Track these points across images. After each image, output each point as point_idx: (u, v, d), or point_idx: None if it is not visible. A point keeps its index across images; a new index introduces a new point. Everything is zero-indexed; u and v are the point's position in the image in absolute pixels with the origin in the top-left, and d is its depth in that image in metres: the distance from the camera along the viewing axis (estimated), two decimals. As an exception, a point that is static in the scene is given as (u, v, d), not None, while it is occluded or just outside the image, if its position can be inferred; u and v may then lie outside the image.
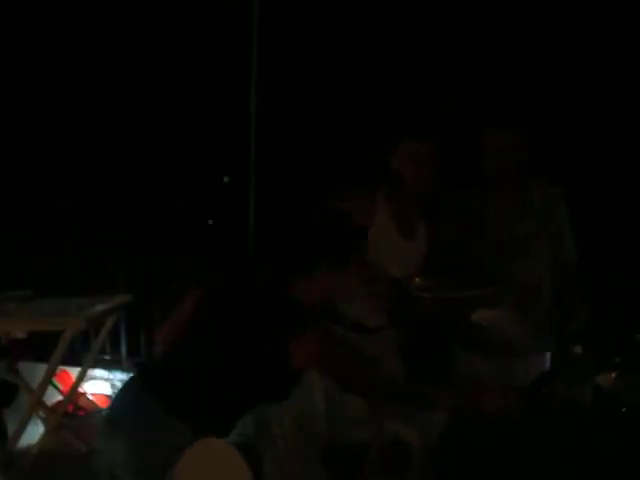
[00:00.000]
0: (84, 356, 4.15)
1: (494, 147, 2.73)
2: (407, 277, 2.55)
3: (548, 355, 2.68)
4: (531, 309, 2.69)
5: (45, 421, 3.72)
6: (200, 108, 5.01)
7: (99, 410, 4.14)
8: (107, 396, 4.30)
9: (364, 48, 4.34)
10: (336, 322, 2.49)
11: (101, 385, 4.42)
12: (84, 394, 4.29)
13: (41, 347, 3.80)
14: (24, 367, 3.88)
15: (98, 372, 4.45)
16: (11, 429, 3.53)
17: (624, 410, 1.92)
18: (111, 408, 2.16)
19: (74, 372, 4.10)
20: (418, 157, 2.64)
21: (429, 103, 3.99)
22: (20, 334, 3.61)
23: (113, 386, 4.38)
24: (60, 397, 4.09)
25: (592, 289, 2.82)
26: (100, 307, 3.62)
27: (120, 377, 4.39)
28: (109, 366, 4.57)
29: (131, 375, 2.19)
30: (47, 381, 3.47)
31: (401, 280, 2.54)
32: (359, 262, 2.27)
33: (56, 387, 4.13)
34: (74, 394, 3.97)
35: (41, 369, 3.54)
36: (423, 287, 2.48)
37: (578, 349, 2.00)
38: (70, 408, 4.02)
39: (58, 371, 3.94)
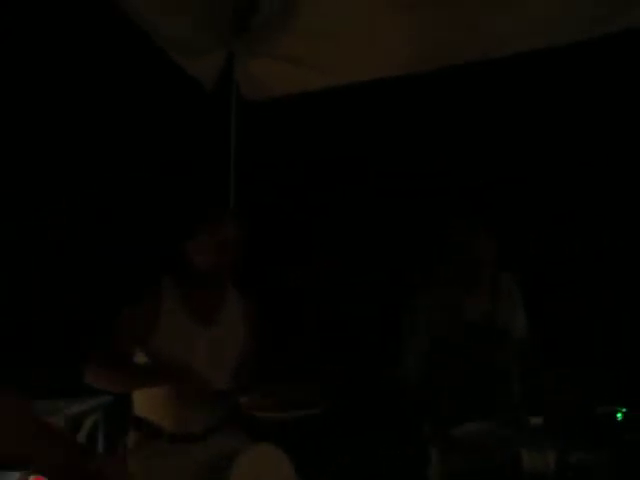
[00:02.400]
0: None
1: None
2: (231, 390, 2.45)
3: None
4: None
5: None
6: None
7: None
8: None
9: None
10: (154, 436, 2.42)
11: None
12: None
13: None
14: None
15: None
16: None
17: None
18: None
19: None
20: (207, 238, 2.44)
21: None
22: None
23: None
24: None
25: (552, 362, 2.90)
26: (79, 407, 3.51)
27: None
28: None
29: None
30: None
31: (225, 394, 2.43)
32: (177, 372, 2.27)
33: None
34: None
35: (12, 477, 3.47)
36: (249, 406, 2.37)
37: (539, 420, 2.07)
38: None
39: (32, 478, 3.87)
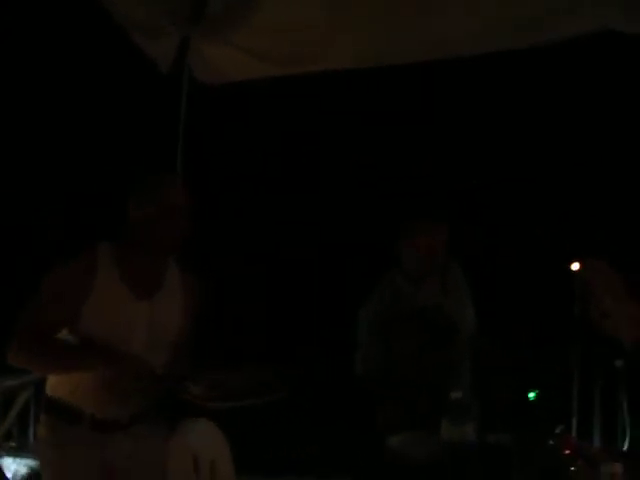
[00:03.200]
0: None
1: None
2: (171, 376, 2.22)
3: None
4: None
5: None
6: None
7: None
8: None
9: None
10: (72, 421, 2.20)
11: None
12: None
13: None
14: None
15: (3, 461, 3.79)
16: None
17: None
18: None
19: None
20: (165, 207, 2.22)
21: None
22: None
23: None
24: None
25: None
26: (11, 382, 3.40)
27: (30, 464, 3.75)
28: (16, 454, 3.89)
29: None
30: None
31: (167, 379, 2.21)
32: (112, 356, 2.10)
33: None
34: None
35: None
36: (200, 396, 2.17)
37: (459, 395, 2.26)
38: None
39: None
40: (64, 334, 2.19)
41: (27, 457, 3.78)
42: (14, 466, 3.75)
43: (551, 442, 2.26)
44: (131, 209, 2.22)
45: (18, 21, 4.36)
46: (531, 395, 2.53)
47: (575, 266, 3.83)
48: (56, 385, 2.25)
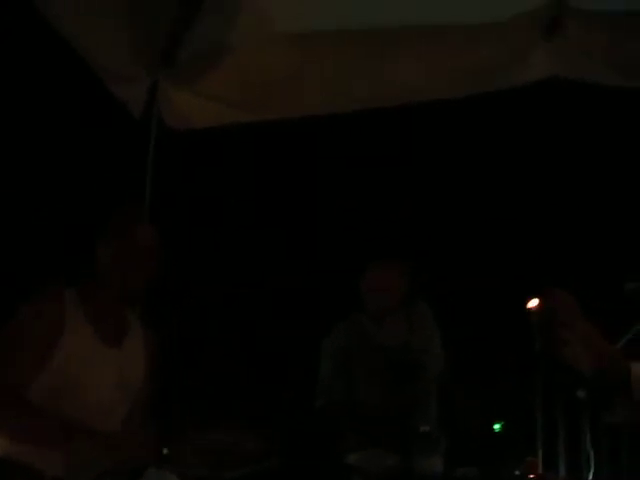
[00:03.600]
0: None
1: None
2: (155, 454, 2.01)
3: None
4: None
5: None
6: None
7: None
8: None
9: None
10: None
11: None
12: None
13: None
14: None
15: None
16: None
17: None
18: None
19: None
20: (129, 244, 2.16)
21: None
22: None
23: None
24: None
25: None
26: None
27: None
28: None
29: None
30: None
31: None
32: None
33: None
34: None
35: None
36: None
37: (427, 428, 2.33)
38: None
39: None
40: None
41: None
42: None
43: (517, 472, 2.33)
44: (98, 249, 2.17)
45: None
46: (496, 427, 2.61)
47: (533, 302, 3.98)
48: (8, 444, 1.99)
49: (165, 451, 1.99)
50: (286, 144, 4.64)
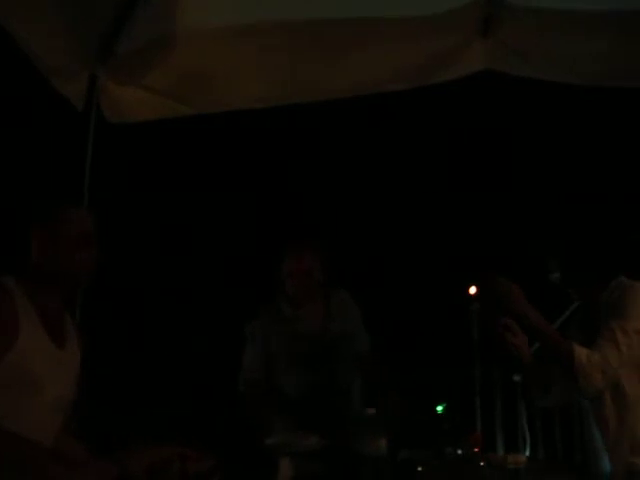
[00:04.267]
0: None
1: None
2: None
3: None
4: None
5: None
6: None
7: None
8: None
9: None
10: None
11: None
12: None
13: None
14: None
15: None
16: None
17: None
18: None
19: None
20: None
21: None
22: None
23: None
24: None
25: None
26: None
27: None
28: None
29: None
30: None
31: None
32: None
33: None
34: None
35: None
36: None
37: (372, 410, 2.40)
38: None
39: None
40: None
41: None
42: None
43: (459, 451, 2.42)
44: (34, 240, 2.02)
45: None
46: (439, 408, 2.70)
47: (472, 289, 4.08)
48: None
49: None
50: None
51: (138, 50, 3.15)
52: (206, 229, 5.05)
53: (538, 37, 3.15)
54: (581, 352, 2.19)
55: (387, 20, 3.16)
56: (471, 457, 2.37)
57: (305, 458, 2.57)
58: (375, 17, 3.14)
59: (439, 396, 2.90)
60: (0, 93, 4.34)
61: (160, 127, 3.55)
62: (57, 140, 4.36)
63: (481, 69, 3.33)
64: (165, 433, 2.07)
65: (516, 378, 3.88)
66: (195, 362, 4.85)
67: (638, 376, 2.29)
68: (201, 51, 3.12)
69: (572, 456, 3.71)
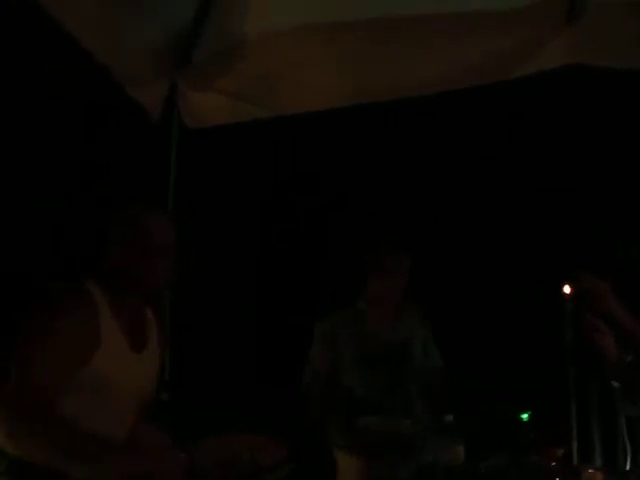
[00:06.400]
0: None
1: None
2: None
3: None
4: None
5: None
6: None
7: None
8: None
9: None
10: None
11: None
12: None
13: None
14: None
15: None
16: None
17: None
18: None
19: None
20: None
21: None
22: None
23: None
24: None
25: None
26: None
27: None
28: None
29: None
30: None
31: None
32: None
33: None
34: None
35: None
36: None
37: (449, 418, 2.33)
38: None
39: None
40: None
41: None
42: None
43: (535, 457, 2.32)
44: (114, 246, 2.01)
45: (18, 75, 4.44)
46: (524, 416, 2.58)
47: (566, 289, 3.89)
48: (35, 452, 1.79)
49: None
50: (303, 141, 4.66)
51: (213, 56, 3.19)
52: (290, 233, 5.06)
53: (625, 24, 2.99)
54: None
55: (466, 15, 3.08)
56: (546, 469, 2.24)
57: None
58: (454, 12, 3.07)
59: (526, 402, 2.77)
60: (81, 101, 4.50)
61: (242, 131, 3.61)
62: (140, 147, 4.48)
63: (565, 63, 3.18)
64: (236, 424, 2.05)
65: (614, 383, 3.68)
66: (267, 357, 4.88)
67: None
68: (274, 53, 3.13)
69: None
